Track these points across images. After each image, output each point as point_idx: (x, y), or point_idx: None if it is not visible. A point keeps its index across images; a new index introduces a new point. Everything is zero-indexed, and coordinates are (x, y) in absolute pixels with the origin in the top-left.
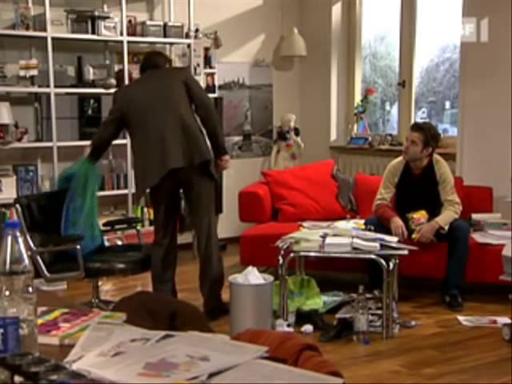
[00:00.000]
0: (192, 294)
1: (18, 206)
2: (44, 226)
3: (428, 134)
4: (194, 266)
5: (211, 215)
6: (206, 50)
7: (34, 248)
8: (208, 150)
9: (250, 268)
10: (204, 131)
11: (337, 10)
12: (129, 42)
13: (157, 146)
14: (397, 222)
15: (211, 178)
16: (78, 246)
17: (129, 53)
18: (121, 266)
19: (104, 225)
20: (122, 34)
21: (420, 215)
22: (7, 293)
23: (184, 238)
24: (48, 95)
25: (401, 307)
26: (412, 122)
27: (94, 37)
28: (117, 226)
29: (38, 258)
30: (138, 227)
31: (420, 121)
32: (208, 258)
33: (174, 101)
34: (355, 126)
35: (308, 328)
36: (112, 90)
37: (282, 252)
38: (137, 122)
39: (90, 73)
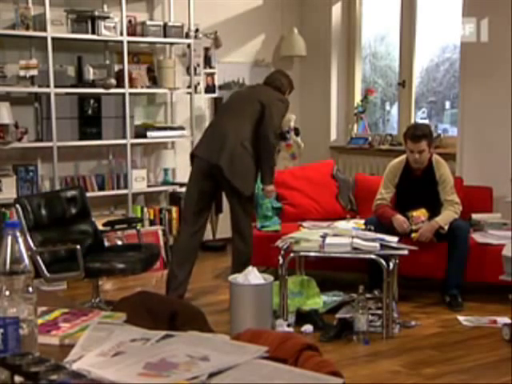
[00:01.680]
0: (192, 294)
1: (18, 205)
2: (44, 225)
3: (429, 137)
4: (194, 266)
5: (241, 218)
6: (206, 49)
7: (34, 248)
8: (230, 162)
9: (250, 268)
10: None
11: (337, 10)
12: (129, 42)
13: (206, 135)
14: (399, 218)
15: (235, 190)
16: (78, 246)
17: (129, 53)
18: (121, 265)
19: (104, 225)
20: (121, 34)
21: (420, 213)
22: (7, 293)
23: None
24: (48, 95)
25: (401, 307)
26: (412, 121)
27: (94, 37)
28: (117, 226)
29: (38, 257)
30: (138, 227)
31: (413, 125)
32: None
33: (238, 117)
34: (355, 126)
35: (308, 328)
36: (112, 90)
37: (282, 252)
38: (219, 109)
39: (90, 73)
